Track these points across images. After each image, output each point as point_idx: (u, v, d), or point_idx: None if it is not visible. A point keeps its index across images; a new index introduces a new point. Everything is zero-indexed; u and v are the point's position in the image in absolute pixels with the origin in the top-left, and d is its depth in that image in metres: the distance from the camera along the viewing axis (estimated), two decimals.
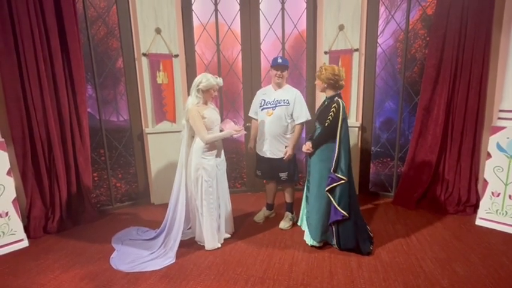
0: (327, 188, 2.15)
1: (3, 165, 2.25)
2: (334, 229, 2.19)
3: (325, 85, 2.18)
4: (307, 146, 2.24)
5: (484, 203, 2.58)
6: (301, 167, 3.34)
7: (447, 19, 2.68)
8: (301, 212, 2.51)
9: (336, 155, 2.11)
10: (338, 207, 2.12)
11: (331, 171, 2.13)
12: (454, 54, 2.71)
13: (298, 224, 2.57)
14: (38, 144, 2.47)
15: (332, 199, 2.14)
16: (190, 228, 2.49)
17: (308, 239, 2.32)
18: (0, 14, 2.22)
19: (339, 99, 2.14)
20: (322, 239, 2.27)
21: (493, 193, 2.54)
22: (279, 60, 2.41)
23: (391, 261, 2.09)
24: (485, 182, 2.57)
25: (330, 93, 2.20)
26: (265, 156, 2.52)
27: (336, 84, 2.18)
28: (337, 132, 2.11)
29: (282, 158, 2.48)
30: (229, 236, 2.46)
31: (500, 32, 2.61)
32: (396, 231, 2.52)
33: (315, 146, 2.21)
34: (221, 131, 2.27)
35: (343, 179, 2.12)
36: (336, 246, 2.23)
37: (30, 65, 2.35)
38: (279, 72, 2.42)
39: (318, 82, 2.23)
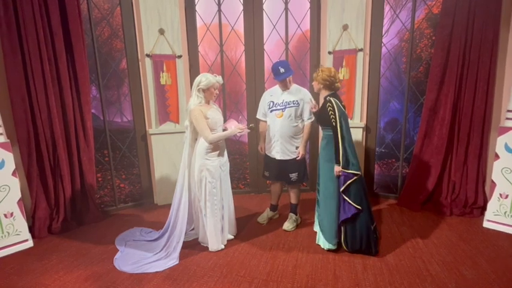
0: (342, 188, 2.10)
1: (9, 166, 2.27)
2: (343, 229, 2.16)
3: (321, 86, 2.21)
4: (337, 170, 2.14)
5: (492, 205, 2.54)
6: (308, 168, 3.31)
7: (453, 18, 2.64)
8: (315, 217, 2.46)
9: (340, 152, 2.08)
10: (354, 204, 2.08)
11: (341, 168, 2.08)
12: (460, 53, 2.67)
13: (314, 229, 2.49)
14: (42, 145, 2.49)
15: (347, 198, 2.10)
16: (193, 229, 2.49)
17: (322, 243, 2.28)
18: (5, 16, 2.24)
19: (331, 98, 2.13)
20: (337, 241, 2.23)
21: (501, 195, 2.49)
22: (281, 70, 2.34)
23: (397, 264, 2.07)
24: (493, 184, 2.52)
25: (325, 92, 2.22)
26: (276, 158, 2.50)
27: (331, 86, 2.19)
28: (338, 130, 2.09)
29: (293, 159, 2.47)
30: (232, 237, 2.45)
31: (508, 30, 2.57)
32: (402, 233, 2.48)
33: (344, 158, 2.10)
34: (224, 130, 2.27)
35: (357, 174, 2.08)
36: (343, 247, 2.20)
37: (35, 65, 2.37)
38: (286, 81, 2.40)
39: (314, 83, 2.26)
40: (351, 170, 2.08)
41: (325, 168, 2.22)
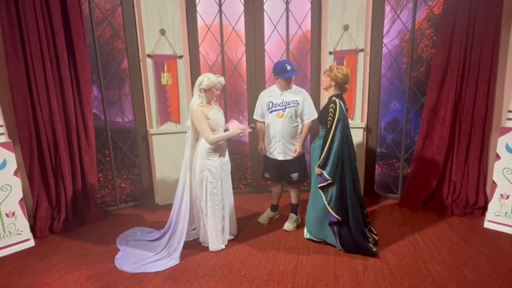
0: (319, 185, 2.17)
1: (11, 166, 2.28)
2: (335, 230, 2.18)
3: (333, 83, 2.17)
4: (317, 171, 2.20)
5: (493, 206, 2.53)
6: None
7: (454, 18, 2.64)
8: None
9: (324, 152, 2.11)
10: (328, 208, 2.15)
11: (317, 167, 2.14)
12: (461, 53, 2.66)
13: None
14: (44, 145, 2.50)
15: (324, 197, 2.16)
16: (194, 229, 2.49)
17: (305, 232, 2.38)
18: (8, 16, 2.25)
19: (337, 99, 2.12)
20: (319, 236, 2.30)
21: (502, 195, 2.49)
22: (288, 68, 2.34)
23: (398, 264, 2.07)
24: (494, 184, 2.52)
25: (332, 92, 2.19)
26: (278, 159, 2.51)
27: (343, 85, 2.18)
28: (331, 132, 2.09)
29: (293, 159, 2.48)
30: (232, 237, 2.45)
31: (509, 31, 2.57)
32: (402, 234, 2.48)
33: (324, 159, 2.14)
34: (226, 130, 2.27)
35: (328, 180, 2.12)
36: (339, 248, 2.21)
37: (37, 66, 2.37)
38: (292, 79, 2.41)
39: (325, 79, 2.21)
40: (325, 173, 2.11)
41: (315, 165, 2.23)
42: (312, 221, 2.32)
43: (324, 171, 2.12)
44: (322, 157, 2.11)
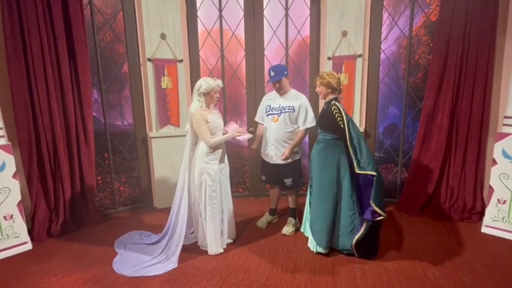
0: (378, 201, 2.03)
1: (9, 169, 2.28)
2: (363, 228, 2.10)
3: (329, 90, 2.20)
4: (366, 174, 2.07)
5: (490, 211, 2.55)
6: (305, 172, 3.33)
7: (451, 25, 2.68)
8: (304, 217, 2.50)
9: (364, 155, 2.03)
10: (377, 209, 2.02)
11: (373, 172, 2.01)
12: (458, 60, 2.70)
13: (301, 230, 2.56)
14: (43, 148, 2.50)
15: (381, 210, 2.02)
16: (192, 232, 2.49)
17: (312, 246, 2.28)
18: (10, 20, 2.27)
19: (336, 102, 2.15)
20: (328, 246, 2.23)
21: (498, 200, 2.51)
22: (272, 74, 2.40)
23: (396, 269, 2.07)
24: (491, 189, 2.54)
25: (330, 97, 2.22)
26: (271, 162, 2.52)
27: (338, 88, 2.20)
28: (347, 136, 2.07)
29: (287, 163, 2.48)
30: (231, 241, 2.45)
31: (505, 37, 2.61)
32: (400, 239, 2.49)
33: (364, 160, 2.07)
34: (224, 134, 2.29)
35: (374, 176, 2.02)
36: (353, 251, 2.17)
37: (38, 69, 2.39)
38: (276, 86, 2.44)
39: (321, 88, 2.22)
40: (373, 172, 2.03)
41: (322, 172, 2.20)
42: (320, 231, 2.19)
43: (372, 172, 2.02)
44: (362, 160, 2.03)
